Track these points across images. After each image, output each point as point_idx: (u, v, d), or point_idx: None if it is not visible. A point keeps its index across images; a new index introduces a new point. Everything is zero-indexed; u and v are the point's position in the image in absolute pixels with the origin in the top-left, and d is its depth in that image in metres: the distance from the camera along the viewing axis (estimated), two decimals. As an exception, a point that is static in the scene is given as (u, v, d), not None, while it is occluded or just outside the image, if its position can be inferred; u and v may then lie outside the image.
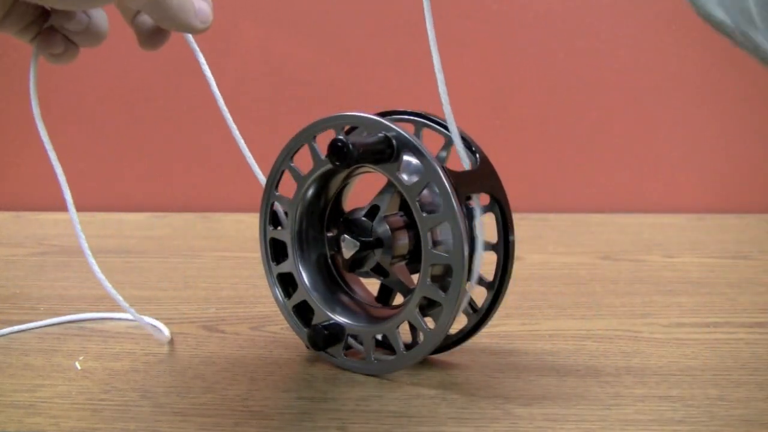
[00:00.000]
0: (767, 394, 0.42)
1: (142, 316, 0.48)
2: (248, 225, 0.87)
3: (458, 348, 0.45)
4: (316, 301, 0.46)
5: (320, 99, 0.95)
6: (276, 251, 0.47)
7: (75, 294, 0.60)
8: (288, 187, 0.46)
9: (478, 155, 0.43)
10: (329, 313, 0.45)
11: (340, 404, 0.41)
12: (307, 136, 0.44)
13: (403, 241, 0.44)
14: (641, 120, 0.95)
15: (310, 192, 0.46)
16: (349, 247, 0.44)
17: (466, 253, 0.40)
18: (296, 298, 0.47)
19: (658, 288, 0.62)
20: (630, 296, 0.60)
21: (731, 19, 0.25)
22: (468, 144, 0.43)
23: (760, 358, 0.47)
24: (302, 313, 0.47)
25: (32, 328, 0.52)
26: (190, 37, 0.44)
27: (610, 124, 0.96)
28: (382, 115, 0.44)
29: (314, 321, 0.46)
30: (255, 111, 0.96)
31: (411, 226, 0.43)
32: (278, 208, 0.47)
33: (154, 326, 0.51)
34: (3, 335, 0.51)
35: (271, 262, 0.47)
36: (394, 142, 0.41)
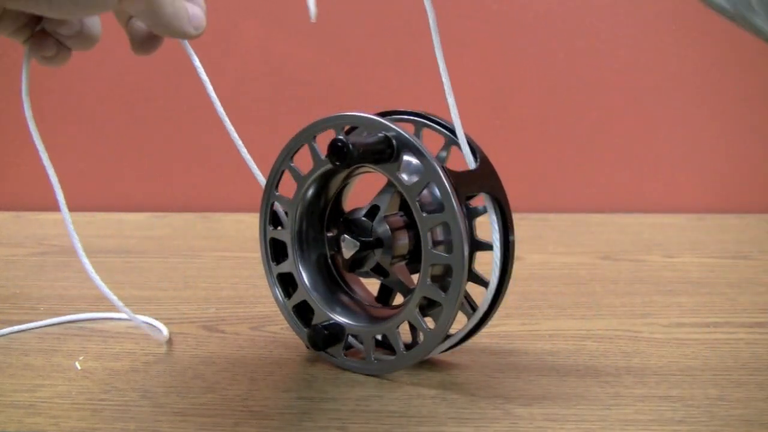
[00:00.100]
0: (767, 394, 0.42)
1: (137, 316, 0.48)
2: (248, 225, 0.87)
3: (458, 348, 0.45)
4: (316, 301, 0.46)
5: (320, 99, 0.95)
6: (276, 251, 0.47)
7: (75, 294, 0.60)
8: (288, 187, 0.46)
9: (478, 155, 0.43)
10: (329, 313, 0.45)
11: (340, 404, 0.41)
12: (307, 136, 0.44)
13: (403, 241, 0.44)
14: (641, 120, 0.95)
15: (310, 192, 0.46)
16: (349, 247, 0.44)
17: (466, 253, 0.40)
18: (296, 298, 0.47)
19: (658, 288, 0.62)
20: (630, 296, 0.60)
21: (731, 5, 0.26)
22: (468, 143, 0.43)
23: (760, 358, 0.47)
24: (302, 313, 0.47)
25: (32, 328, 0.52)
26: (185, 41, 0.44)
27: (610, 124, 0.96)
28: (382, 115, 0.44)
29: (314, 321, 0.46)
30: (255, 111, 0.96)
31: (411, 226, 0.43)
32: (279, 208, 0.47)
33: (152, 326, 0.51)
34: (3, 335, 0.51)
35: (271, 262, 0.47)
36: (394, 142, 0.41)
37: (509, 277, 0.43)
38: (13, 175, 0.98)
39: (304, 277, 0.46)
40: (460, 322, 0.44)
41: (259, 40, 0.95)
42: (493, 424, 0.38)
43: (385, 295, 0.48)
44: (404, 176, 0.41)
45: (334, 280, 0.48)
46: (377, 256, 0.44)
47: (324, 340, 0.44)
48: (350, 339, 0.45)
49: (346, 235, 0.44)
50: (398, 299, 0.47)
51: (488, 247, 0.43)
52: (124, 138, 0.99)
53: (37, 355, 0.47)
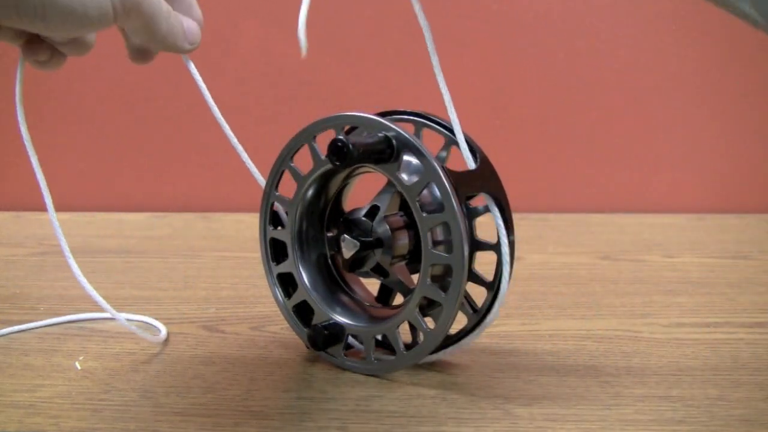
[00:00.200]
0: (767, 394, 0.42)
1: (136, 316, 0.48)
2: (248, 225, 0.87)
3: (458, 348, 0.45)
4: (316, 301, 0.46)
5: (320, 99, 0.95)
6: (276, 251, 0.47)
7: (75, 294, 0.60)
8: (288, 187, 0.46)
9: (478, 155, 0.43)
10: (329, 313, 0.45)
11: (340, 404, 0.41)
12: (307, 136, 0.44)
13: (403, 241, 0.44)
14: (641, 120, 0.95)
15: (310, 192, 0.46)
16: (349, 247, 0.44)
17: (466, 253, 0.40)
18: (296, 298, 0.47)
19: (658, 288, 0.62)
20: (630, 296, 0.60)
21: None
22: (468, 144, 0.43)
23: (760, 358, 0.47)
24: (302, 313, 0.47)
25: (32, 328, 0.52)
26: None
27: (610, 124, 0.96)
28: (382, 115, 0.44)
29: (314, 321, 0.46)
30: (255, 111, 0.96)
31: (411, 226, 0.43)
32: (280, 208, 0.47)
33: (150, 325, 0.51)
34: (3, 335, 0.51)
35: (271, 262, 0.47)
36: (394, 142, 0.41)
37: (510, 278, 0.43)
38: (13, 175, 0.98)
39: (304, 277, 0.46)
40: (461, 322, 0.44)
41: (259, 40, 0.95)
42: (493, 424, 0.38)
43: (385, 295, 0.48)
44: (404, 176, 0.41)
45: (334, 280, 0.48)
46: (377, 256, 0.44)
47: (324, 340, 0.44)
48: (350, 339, 0.45)
49: (346, 235, 0.44)
50: (398, 299, 0.47)
51: (488, 247, 0.43)
52: (124, 138, 0.99)
53: (37, 355, 0.47)
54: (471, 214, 0.42)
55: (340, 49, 0.95)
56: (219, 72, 0.94)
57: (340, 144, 0.39)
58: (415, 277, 0.44)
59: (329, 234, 0.47)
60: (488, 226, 0.43)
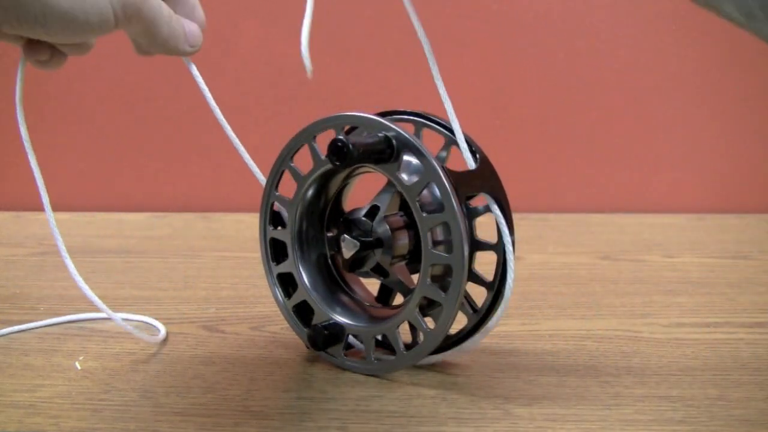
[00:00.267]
0: (767, 394, 0.42)
1: (135, 316, 0.48)
2: (248, 225, 0.87)
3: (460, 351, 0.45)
4: (316, 301, 0.46)
5: (320, 99, 0.95)
6: (276, 251, 0.47)
7: (75, 294, 0.60)
8: (288, 187, 0.46)
9: (478, 155, 0.43)
10: (329, 313, 0.45)
11: (340, 404, 0.41)
12: (307, 136, 0.44)
13: (403, 241, 0.44)
14: (641, 120, 0.95)
15: (310, 192, 0.46)
16: (349, 247, 0.44)
17: (466, 253, 0.40)
18: (296, 298, 0.47)
19: (658, 288, 0.62)
20: (630, 296, 0.60)
21: None
22: (468, 144, 0.43)
23: (760, 358, 0.47)
24: (302, 313, 0.47)
25: (32, 328, 0.52)
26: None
27: (610, 124, 0.96)
28: (382, 115, 0.44)
29: (314, 321, 0.46)
30: (255, 111, 0.96)
31: (411, 226, 0.43)
32: (281, 208, 0.47)
33: (149, 324, 0.51)
34: (3, 335, 0.51)
35: (271, 262, 0.47)
36: (394, 142, 0.41)
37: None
38: (13, 175, 0.98)
39: (304, 277, 0.46)
40: (461, 322, 0.44)
41: (259, 40, 0.95)
42: (493, 424, 0.38)
43: (385, 295, 0.48)
44: (404, 176, 0.41)
45: (334, 280, 0.48)
46: (377, 256, 0.44)
47: (324, 340, 0.44)
48: (350, 339, 0.45)
49: (346, 235, 0.44)
50: (398, 299, 0.47)
51: (488, 247, 0.43)
52: (124, 138, 0.99)
53: (37, 355, 0.47)
54: (471, 214, 0.42)
55: (340, 49, 0.95)
56: (219, 72, 0.94)
57: (340, 144, 0.39)
58: (415, 277, 0.44)
59: (329, 234, 0.47)
60: (488, 226, 0.43)
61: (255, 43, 0.95)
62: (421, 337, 0.43)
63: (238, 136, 0.45)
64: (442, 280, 0.42)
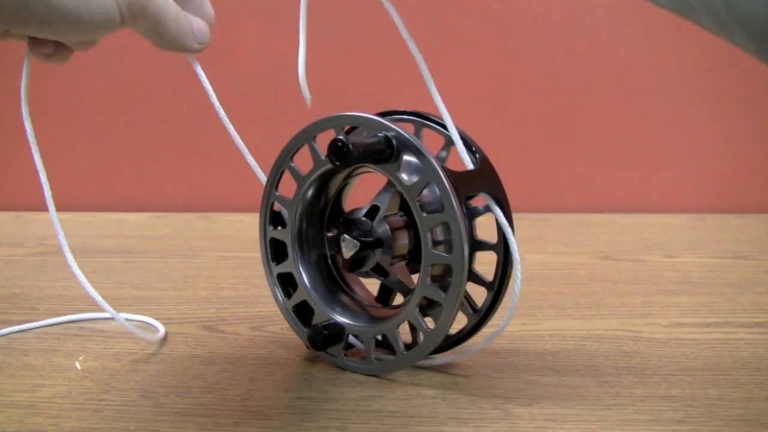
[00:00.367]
0: (767, 394, 0.42)
1: (135, 315, 0.48)
2: (248, 225, 0.87)
3: (458, 348, 0.45)
4: (316, 301, 0.46)
5: (320, 99, 0.95)
6: (276, 251, 0.47)
7: (75, 294, 0.60)
8: (288, 187, 0.46)
9: (478, 155, 0.43)
10: (329, 313, 0.45)
11: (340, 404, 0.41)
12: (307, 136, 0.44)
13: (403, 241, 0.44)
14: (641, 120, 0.95)
15: (310, 192, 0.46)
16: (349, 247, 0.44)
17: (466, 253, 0.40)
18: (296, 298, 0.47)
19: (658, 288, 0.62)
20: (630, 296, 0.60)
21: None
22: (468, 144, 0.43)
23: (760, 358, 0.47)
24: (302, 313, 0.47)
25: (32, 328, 0.52)
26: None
27: (610, 124, 0.96)
28: (382, 115, 0.44)
29: (314, 321, 0.46)
30: (255, 111, 0.96)
31: (411, 226, 0.43)
32: (281, 208, 0.47)
33: (148, 324, 0.51)
34: (3, 335, 0.51)
35: (271, 262, 0.47)
36: (394, 142, 0.41)
37: (509, 278, 0.43)
38: (13, 175, 0.98)
39: (304, 277, 0.46)
40: (461, 323, 0.44)
41: (259, 40, 0.95)
42: (493, 424, 0.38)
43: (385, 295, 0.48)
44: (404, 176, 0.41)
45: (334, 280, 0.48)
46: (377, 256, 0.44)
47: (324, 340, 0.44)
48: (350, 339, 0.45)
49: (346, 235, 0.44)
50: (398, 299, 0.47)
51: (488, 247, 0.43)
52: (124, 138, 0.99)
53: (37, 355, 0.47)
54: (471, 214, 0.42)
55: (340, 49, 0.95)
56: (219, 72, 0.94)
57: (340, 144, 0.39)
58: (415, 277, 0.44)
59: (329, 234, 0.47)
60: (488, 226, 0.43)
61: (255, 43, 0.95)
62: (421, 337, 0.43)
63: (238, 136, 0.45)
64: (442, 280, 0.42)
